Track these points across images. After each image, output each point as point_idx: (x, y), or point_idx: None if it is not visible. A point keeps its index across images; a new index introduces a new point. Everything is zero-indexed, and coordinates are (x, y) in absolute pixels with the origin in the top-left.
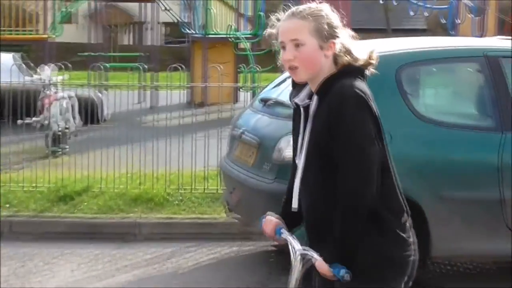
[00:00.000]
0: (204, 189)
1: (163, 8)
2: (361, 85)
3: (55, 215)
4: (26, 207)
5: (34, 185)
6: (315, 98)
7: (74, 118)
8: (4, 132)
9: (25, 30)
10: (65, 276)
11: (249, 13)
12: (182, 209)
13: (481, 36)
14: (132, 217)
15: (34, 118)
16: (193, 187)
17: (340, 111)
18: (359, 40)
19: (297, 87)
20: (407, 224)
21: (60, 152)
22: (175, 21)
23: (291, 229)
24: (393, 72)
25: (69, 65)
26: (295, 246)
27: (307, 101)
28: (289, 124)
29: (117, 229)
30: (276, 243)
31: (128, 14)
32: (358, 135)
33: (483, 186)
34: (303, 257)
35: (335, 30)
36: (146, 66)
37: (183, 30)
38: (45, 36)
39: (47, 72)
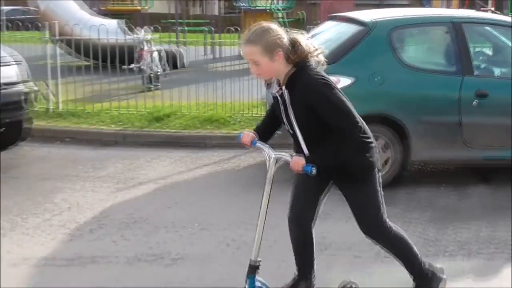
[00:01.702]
0: (252, 114)
1: None
2: (316, 72)
3: (152, 130)
4: (132, 125)
5: (136, 110)
6: (285, 90)
7: (164, 65)
8: (114, 74)
9: (126, 3)
10: (160, 171)
11: None
12: (239, 127)
13: (448, 7)
14: (204, 132)
15: (133, 65)
16: (244, 112)
17: (318, 95)
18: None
19: (268, 83)
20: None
21: (153, 88)
22: None
23: (263, 141)
24: (386, 33)
25: (159, 27)
26: (269, 152)
27: (279, 90)
28: None
29: (194, 140)
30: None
31: None
32: (337, 100)
33: (448, 113)
34: (276, 160)
35: (279, 42)
36: (213, 29)
37: None
38: (139, 8)
39: (142, 33)
